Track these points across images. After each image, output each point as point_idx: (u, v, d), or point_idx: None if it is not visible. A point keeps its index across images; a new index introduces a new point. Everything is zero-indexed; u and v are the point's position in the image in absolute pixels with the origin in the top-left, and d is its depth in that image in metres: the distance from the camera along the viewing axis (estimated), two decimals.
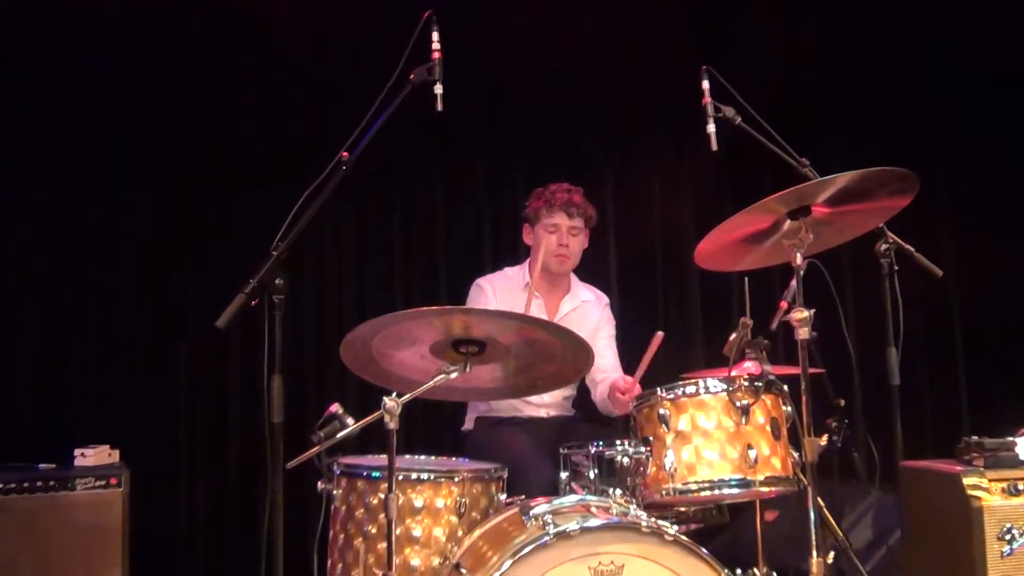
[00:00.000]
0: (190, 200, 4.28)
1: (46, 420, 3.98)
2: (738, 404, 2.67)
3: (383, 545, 2.54)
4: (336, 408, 2.57)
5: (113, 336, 4.14)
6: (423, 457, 3.05)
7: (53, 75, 4.14)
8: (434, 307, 2.64)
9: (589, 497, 2.66)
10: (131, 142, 4.21)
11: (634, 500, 2.66)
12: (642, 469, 2.71)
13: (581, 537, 2.37)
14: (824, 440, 2.60)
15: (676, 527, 2.48)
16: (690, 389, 2.72)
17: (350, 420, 2.55)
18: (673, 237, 4.72)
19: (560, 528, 2.37)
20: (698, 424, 2.68)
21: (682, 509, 2.87)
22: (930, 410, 4.68)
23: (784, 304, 3.05)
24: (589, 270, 3.98)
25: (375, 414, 2.45)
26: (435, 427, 4.27)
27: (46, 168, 4.12)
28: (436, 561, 2.66)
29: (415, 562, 2.66)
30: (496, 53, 4.41)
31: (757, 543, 3.09)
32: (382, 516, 2.54)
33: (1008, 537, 2.61)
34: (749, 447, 2.65)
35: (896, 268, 3.16)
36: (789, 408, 2.77)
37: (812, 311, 2.57)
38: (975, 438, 2.79)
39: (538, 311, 3.58)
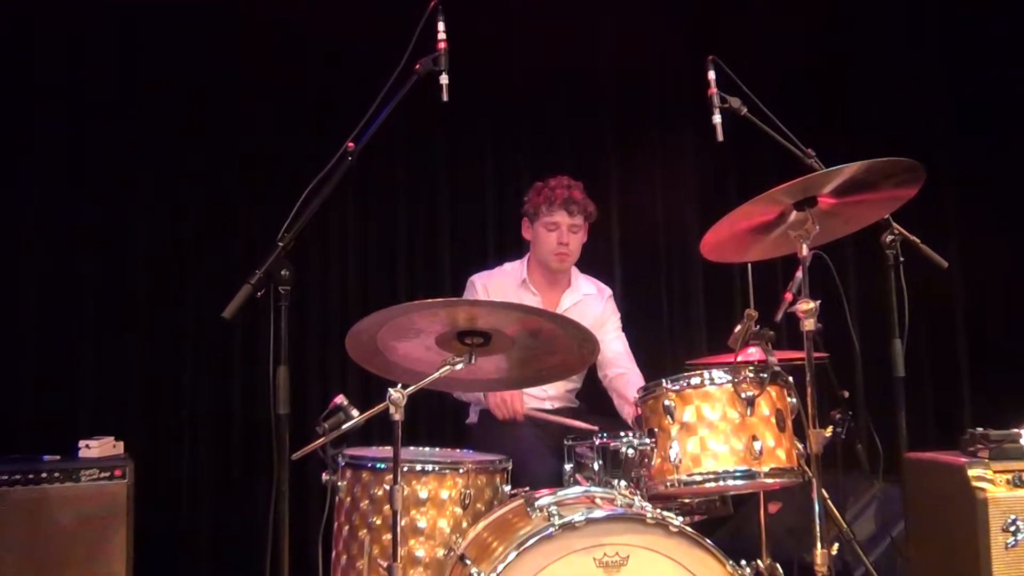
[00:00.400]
0: (193, 192, 4.27)
1: (50, 411, 3.98)
2: (743, 395, 2.67)
3: (388, 536, 2.54)
4: (341, 400, 2.57)
5: (117, 327, 4.13)
6: (427, 449, 3.06)
7: (53, 74, 4.14)
8: (439, 299, 2.63)
9: (594, 488, 2.66)
10: (132, 137, 4.20)
11: (638, 492, 2.66)
12: (647, 460, 2.71)
13: (586, 528, 2.37)
14: (829, 432, 2.61)
15: (681, 519, 2.47)
16: (695, 380, 2.72)
17: (355, 412, 2.55)
18: (676, 228, 4.71)
19: (565, 519, 2.37)
20: (703, 415, 2.68)
21: (686, 501, 2.87)
22: (932, 401, 4.67)
23: (789, 295, 3.05)
24: (592, 262, 3.98)
25: (380, 406, 2.45)
26: (438, 419, 4.28)
27: (46, 163, 4.11)
28: (441, 552, 2.67)
29: (420, 553, 2.67)
30: (501, 44, 4.40)
31: (760, 535, 3.09)
32: (387, 507, 2.55)
33: (1013, 528, 2.61)
34: (754, 438, 2.64)
35: (902, 260, 3.15)
36: (794, 399, 2.77)
37: (818, 302, 2.58)
38: (980, 429, 2.79)
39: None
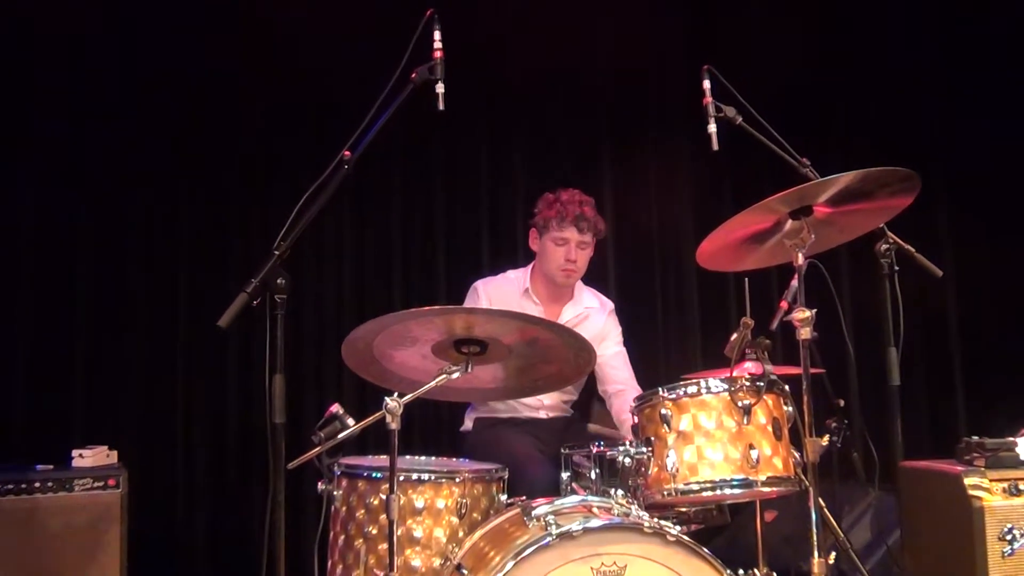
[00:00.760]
0: (188, 199, 4.27)
1: (44, 420, 3.96)
2: (740, 404, 2.66)
3: (384, 546, 2.53)
4: (336, 408, 2.56)
5: (111, 336, 4.12)
6: (423, 458, 3.04)
7: (53, 74, 4.13)
8: (436, 307, 2.63)
9: (591, 498, 2.65)
10: (129, 141, 4.19)
11: (635, 501, 2.65)
12: (643, 469, 2.70)
13: (583, 538, 2.37)
14: (825, 440, 2.61)
15: (678, 527, 2.47)
16: (692, 389, 2.71)
17: (351, 421, 2.54)
18: (671, 236, 4.72)
19: (562, 529, 2.36)
20: (700, 424, 2.68)
21: (683, 510, 2.87)
22: (926, 410, 4.68)
23: (784, 304, 3.06)
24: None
25: (377, 415, 2.44)
26: (433, 427, 4.27)
27: (43, 166, 4.11)
28: (437, 562, 2.65)
29: (416, 563, 2.66)
30: (496, 52, 4.40)
31: (757, 544, 3.09)
32: (383, 517, 2.53)
33: (1009, 537, 2.62)
34: (751, 447, 2.64)
35: (896, 269, 3.16)
36: (790, 408, 2.76)
37: (814, 311, 2.58)
38: (975, 438, 2.80)
39: None
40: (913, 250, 3.23)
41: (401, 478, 2.64)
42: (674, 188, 4.74)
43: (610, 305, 3.86)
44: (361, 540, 2.70)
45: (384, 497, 2.47)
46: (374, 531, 2.68)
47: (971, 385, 4.69)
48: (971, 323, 4.74)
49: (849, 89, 4.77)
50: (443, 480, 2.71)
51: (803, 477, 2.70)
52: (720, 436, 2.67)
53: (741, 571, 2.48)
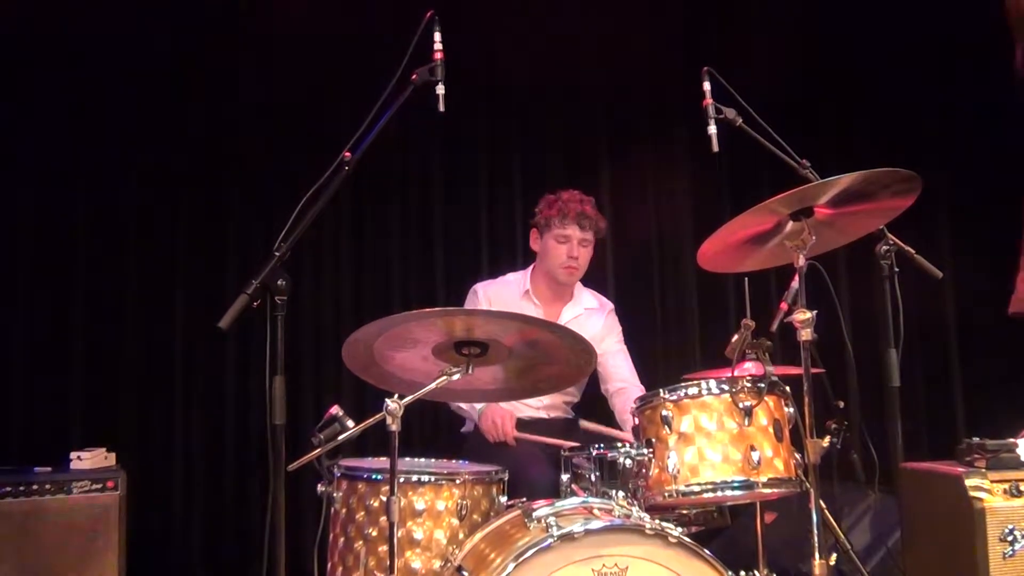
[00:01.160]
0: (187, 201, 4.26)
1: (41, 422, 3.96)
2: (741, 405, 2.66)
3: (384, 548, 2.53)
4: (336, 410, 2.55)
5: (108, 338, 4.11)
6: (423, 459, 3.04)
7: (53, 74, 4.12)
8: (437, 308, 2.62)
9: (592, 499, 2.65)
10: (128, 143, 4.19)
11: (636, 502, 2.65)
12: (644, 471, 2.70)
13: (585, 539, 2.36)
14: (826, 442, 2.61)
15: (679, 529, 2.46)
16: (693, 390, 2.71)
17: (350, 422, 2.53)
18: (669, 239, 4.72)
19: (564, 530, 2.35)
20: (701, 425, 2.67)
21: (683, 511, 2.87)
22: (924, 411, 4.68)
23: (784, 306, 3.06)
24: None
25: (377, 416, 2.43)
26: (432, 429, 4.26)
27: (40, 168, 4.10)
28: (437, 564, 2.64)
29: (416, 565, 2.65)
30: (496, 54, 4.41)
31: (757, 545, 3.08)
32: (383, 518, 2.53)
33: (1010, 538, 2.61)
34: (752, 448, 2.63)
35: (897, 270, 3.16)
36: (791, 409, 2.76)
37: (815, 312, 2.58)
38: (976, 439, 2.79)
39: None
40: (913, 251, 3.22)
41: (401, 480, 2.63)
42: (673, 190, 4.74)
43: (609, 305, 3.87)
44: (361, 542, 2.69)
45: (384, 499, 2.47)
46: (374, 533, 2.67)
47: (970, 386, 4.69)
48: (969, 323, 4.74)
49: (849, 89, 4.77)
50: (443, 482, 2.71)
51: (804, 479, 2.69)
52: (721, 437, 2.66)
53: (742, 572, 2.47)
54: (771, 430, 2.70)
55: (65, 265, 4.11)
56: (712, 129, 3.05)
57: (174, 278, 4.22)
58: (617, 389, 3.64)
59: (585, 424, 3.46)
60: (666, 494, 2.66)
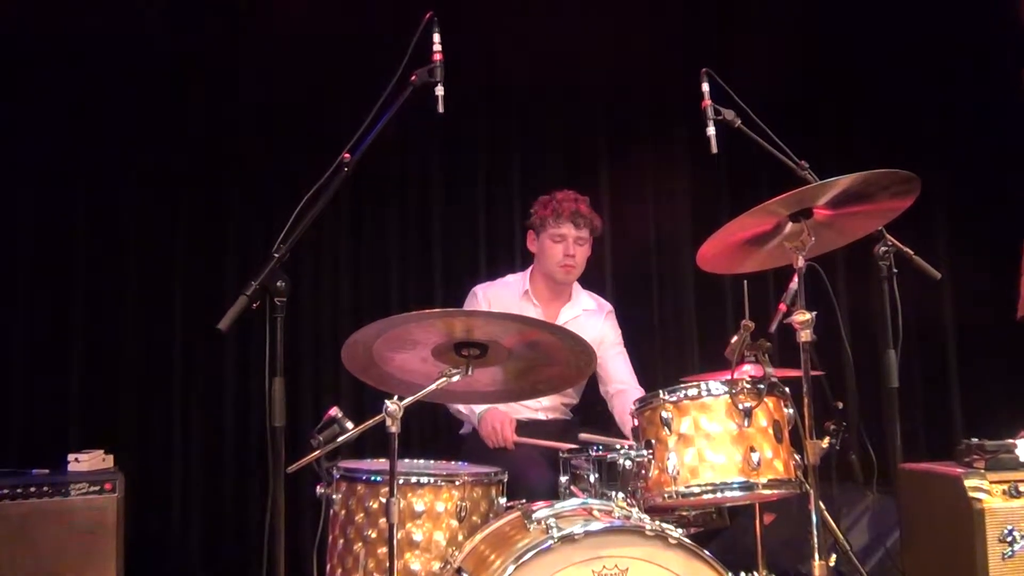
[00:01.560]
0: (186, 202, 4.26)
1: (41, 423, 3.96)
2: (741, 407, 2.66)
3: (383, 549, 2.53)
4: (335, 412, 2.55)
5: (108, 338, 4.11)
6: (422, 461, 3.03)
7: (53, 74, 4.12)
8: (437, 309, 2.62)
9: (591, 500, 2.65)
10: (128, 143, 4.18)
11: (635, 504, 2.64)
12: (644, 472, 2.70)
13: (585, 540, 2.36)
14: (825, 443, 2.61)
15: (679, 530, 2.46)
16: (692, 392, 2.71)
17: (349, 424, 2.52)
18: (668, 239, 4.71)
19: (564, 532, 2.35)
20: (701, 427, 2.67)
21: (683, 513, 2.87)
22: (923, 412, 4.68)
23: (783, 307, 3.06)
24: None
25: (377, 418, 2.43)
26: (431, 430, 4.26)
27: (40, 168, 4.09)
28: (436, 565, 2.64)
29: (415, 566, 2.65)
30: (495, 55, 4.40)
31: (757, 546, 3.08)
32: (382, 520, 2.53)
33: (1009, 539, 2.61)
34: (752, 450, 2.64)
35: (895, 271, 3.16)
36: (791, 410, 2.76)
37: (814, 313, 2.57)
38: (975, 440, 2.79)
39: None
40: (911, 252, 3.22)
41: (400, 481, 2.63)
42: (672, 190, 4.74)
43: (608, 307, 3.87)
44: (360, 544, 2.69)
45: (383, 500, 2.47)
46: (373, 535, 2.67)
47: (968, 387, 4.69)
48: (967, 324, 4.74)
49: (848, 90, 4.77)
50: (442, 483, 2.71)
51: (804, 480, 2.69)
52: (721, 438, 2.67)
53: (742, 573, 2.47)
54: (771, 431, 2.70)
55: (65, 265, 4.10)
56: (711, 130, 3.05)
57: (174, 278, 4.21)
58: (616, 391, 3.64)
59: (585, 436, 3.46)
60: (666, 495, 2.66)
